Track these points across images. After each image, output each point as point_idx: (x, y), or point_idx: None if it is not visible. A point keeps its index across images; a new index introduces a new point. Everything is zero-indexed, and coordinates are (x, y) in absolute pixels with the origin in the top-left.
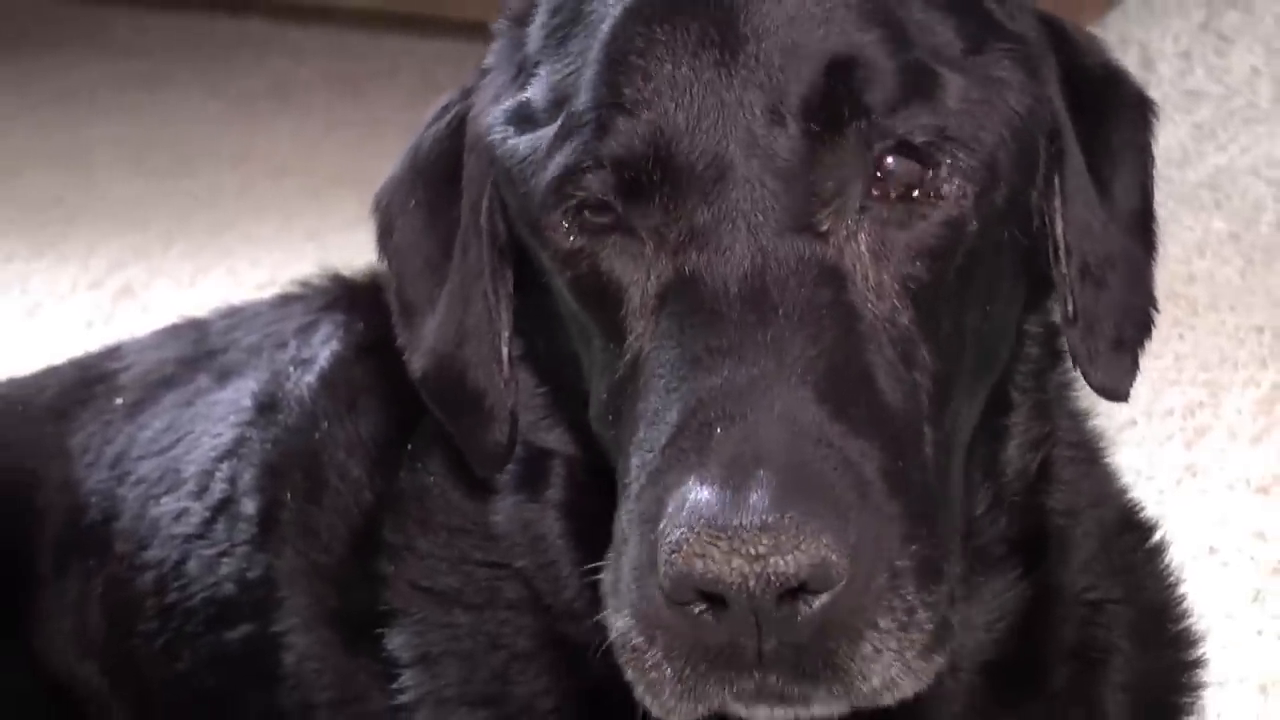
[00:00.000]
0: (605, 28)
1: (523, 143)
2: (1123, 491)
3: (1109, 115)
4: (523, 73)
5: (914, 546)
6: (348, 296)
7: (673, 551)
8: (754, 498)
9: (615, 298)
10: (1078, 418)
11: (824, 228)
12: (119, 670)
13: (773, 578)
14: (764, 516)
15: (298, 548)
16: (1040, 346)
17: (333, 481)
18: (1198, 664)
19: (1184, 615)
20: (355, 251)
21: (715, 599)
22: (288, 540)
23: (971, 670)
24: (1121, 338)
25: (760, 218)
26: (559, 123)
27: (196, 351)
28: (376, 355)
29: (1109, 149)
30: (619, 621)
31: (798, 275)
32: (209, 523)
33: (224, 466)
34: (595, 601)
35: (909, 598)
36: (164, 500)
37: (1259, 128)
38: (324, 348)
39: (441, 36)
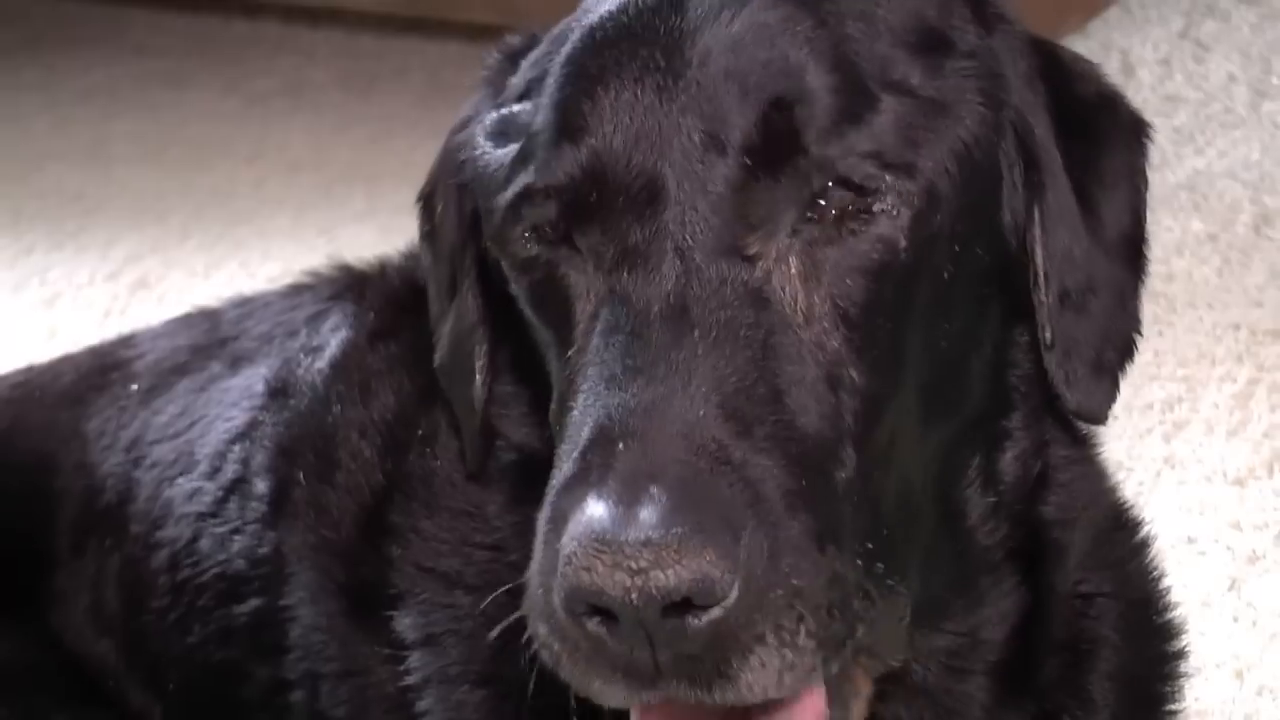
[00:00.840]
0: (564, 52)
1: (492, 158)
2: (1113, 490)
3: (1101, 141)
4: (508, 89)
5: (814, 564)
6: (357, 286)
7: (565, 564)
8: (643, 513)
9: (564, 311)
10: (1069, 421)
11: (752, 251)
12: (134, 647)
13: (654, 592)
14: (649, 532)
15: (308, 524)
16: (1031, 354)
17: (345, 462)
18: (1181, 654)
19: (1168, 608)
20: (365, 245)
21: (605, 612)
22: (298, 517)
23: (982, 672)
24: (1101, 361)
25: (689, 240)
26: (520, 144)
27: (209, 339)
28: (387, 343)
29: (1100, 174)
30: (535, 627)
31: (719, 297)
32: (221, 501)
33: (236, 448)
34: None
35: (802, 618)
36: (178, 481)
37: (1235, 132)
38: (334, 335)
39: (448, 39)
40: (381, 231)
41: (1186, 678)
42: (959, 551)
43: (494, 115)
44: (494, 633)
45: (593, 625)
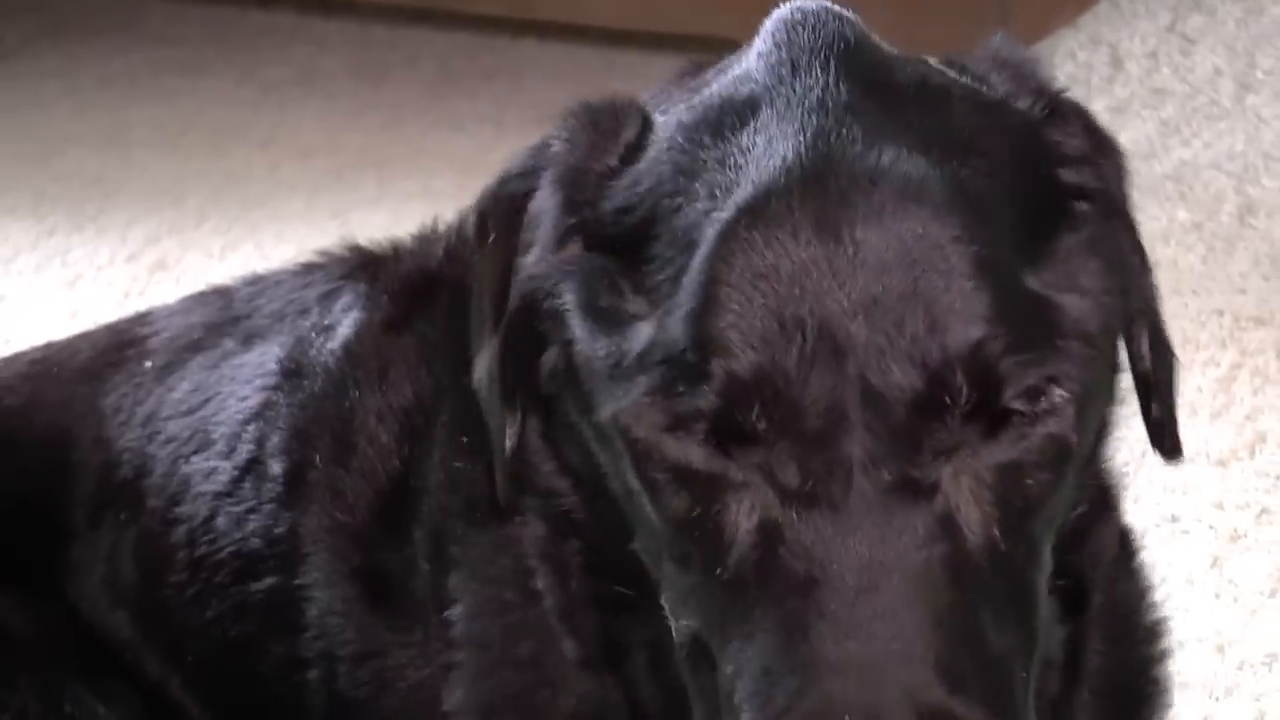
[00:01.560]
0: (701, 253)
1: (601, 338)
2: (1117, 506)
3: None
4: (584, 240)
5: None
6: (369, 267)
7: None
8: None
9: (702, 510)
10: (1103, 468)
11: (934, 477)
12: (150, 619)
13: None
14: None
15: (323, 507)
16: (1096, 444)
17: (361, 446)
18: (1164, 655)
19: (1153, 610)
20: (376, 228)
21: None
22: (313, 500)
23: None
24: (1169, 402)
25: (874, 470)
26: (648, 337)
27: (222, 317)
28: (405, 330)
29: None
30: None
31: (911, 534)
32: (237, 481)
33: (251, 428)
34: (606, 649)
35: None
36: (193, 459)
37: (1220, 124)
38: (346, 315)
39: (457, 29)
40: (392, 215)
41: (1170, 679)
42: None
43: (582, 262)
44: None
45: None
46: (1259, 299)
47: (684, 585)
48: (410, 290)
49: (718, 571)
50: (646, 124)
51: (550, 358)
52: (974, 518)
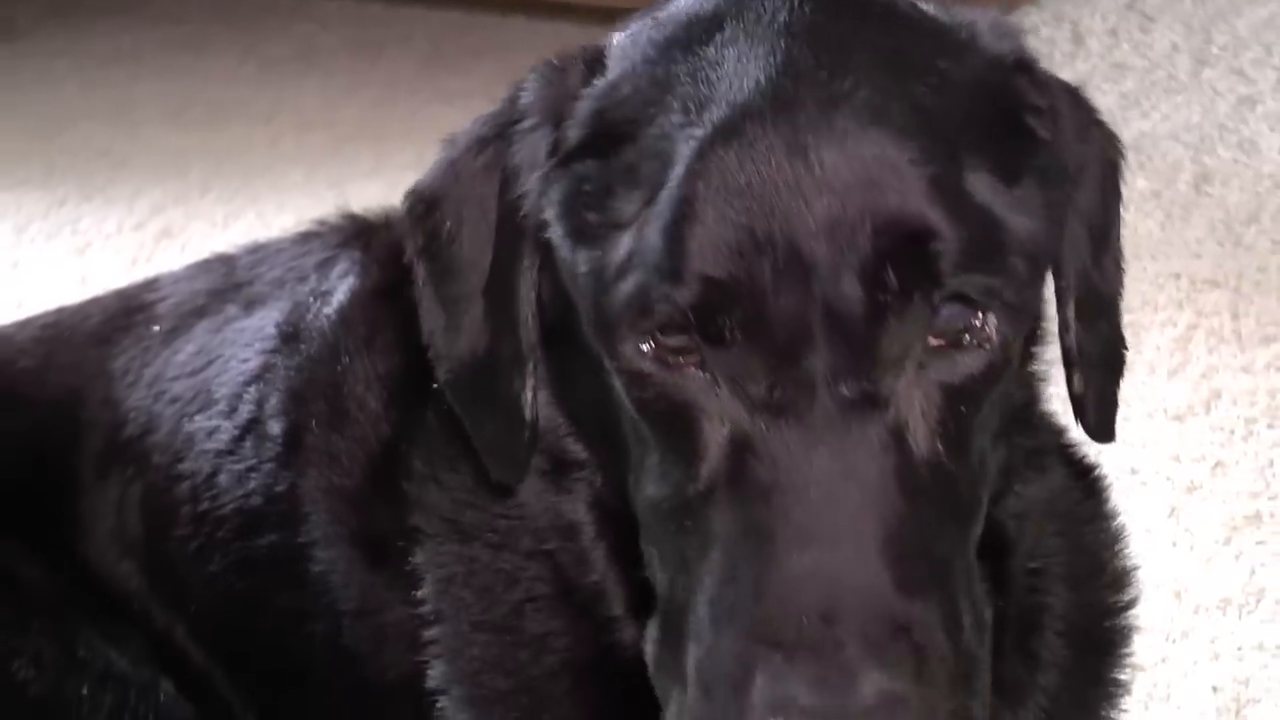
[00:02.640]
0: (678, 169)
1: (584, 254)
2: (1068, 447)
3: (1088, 167)
4: (563, 155)
5: (965, 697)
6: (364, 235)
7: None
8: (848, 696)
9: (684, 425)
10: (1040, 426)
11: (887, 391)
12: (156, 570)
13: None
14: (858, 717)
15: (320, 470)
16: (1023, 392)
17: (353, 412)
18: (1131, 603)
19: (1120, 555)
20: (372, 198)
21: None
22: (311, 463)
23: None
24: (1107, 388)
25: (834, 384)
26: (628, 248)
27: (225, 283)
28: (393, 297)
29: (1089, 195)
30: None
31: (867, 445)
32: (238, 440)
33: (251, 390)
34: (621, 588)
35: None
36: (197, 418)
37: (1178, 97)
38: (341, 282)
39: (449, 8)
40: (388, 186)
41: (1135, 628)
42: None
43: (563, 183)
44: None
45: None
46: (1214, 263)
47: (665, 510)
48: (400, 258)
49: (693, 488)
50: (600, 51)
51: (546, 294)
52: (920, 432)
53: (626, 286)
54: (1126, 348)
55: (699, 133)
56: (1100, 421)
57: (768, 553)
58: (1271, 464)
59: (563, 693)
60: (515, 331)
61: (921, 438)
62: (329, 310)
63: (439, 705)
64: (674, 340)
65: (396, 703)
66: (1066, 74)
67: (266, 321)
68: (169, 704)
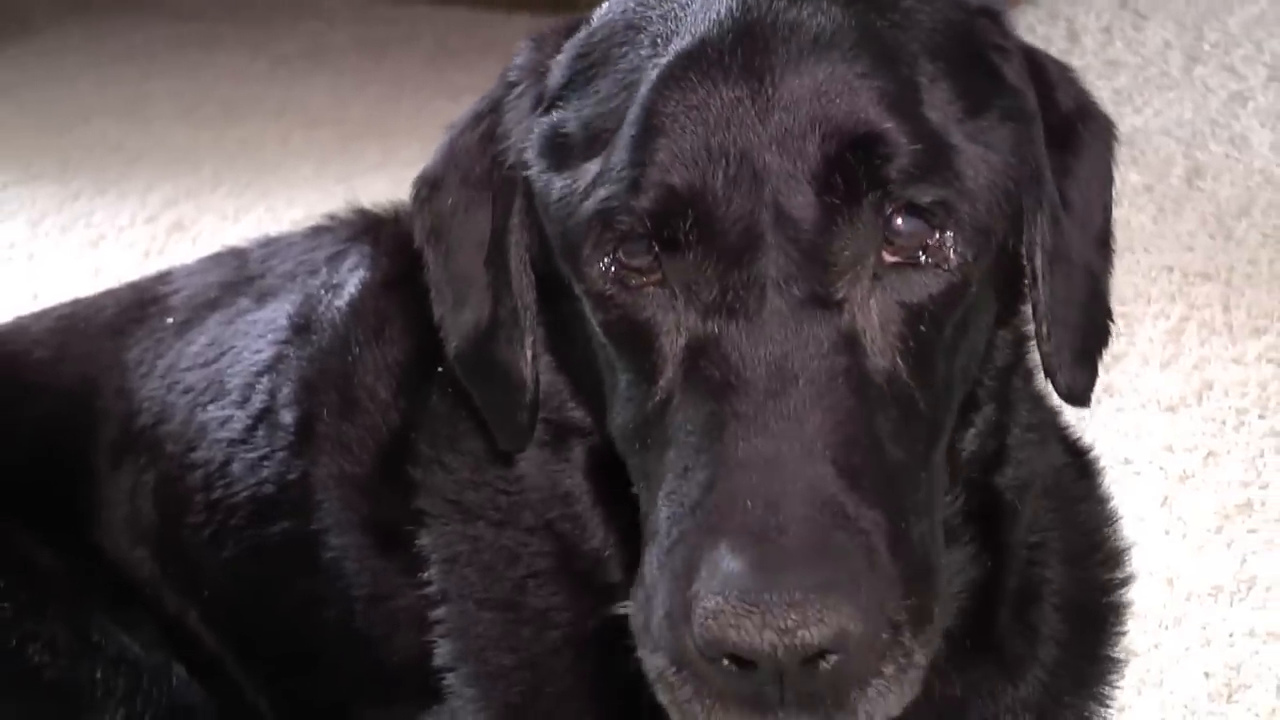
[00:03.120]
0: (644, 91)
1: (559, 181)
2: (1063, 429)
3: (1080, 147)
4: (547, 101)
5: (911, 600)
6: (373, 229)
7: (708, 617)
8: (783, 575)
9: (644, 342)
10: (1037, 400)
11: (840, 296)
12: (169, 556)
13: (799, 648)
14: (792, 594)
15: (332, 458)
16: (1009, 351)
17: (363, 401)
18: (1125, 581)
19: (1114, 534)
20: (379, 192)
21: (743, 661)
22: (322, 451)
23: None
24: (1085, 349)
25: (785, 284)
26: (595, 171)
27: (238, 277)
28: (401, 288)
29: (1078, 177)
30: (654, 660)
31: (817, 344)
32: (251, 429)
33: (264, 380)
34: (621, 552)
35: (906, 644)
36: (210, 408)
37: (1170, 93)
38: (352, 275)
39: (454, 6)
40: (394, 181)
41: (1129, 604)
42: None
43: (541, 129)
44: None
45: (726, 666)
46: (1206, 256)
47: (631, 430)
48: (408, 249)
49: (651, 402)
50: (581, 19)
51: (534, 249)
52: (878, 343)
53: (591, 203)
54: (1111, 319)
55: (664, 60)
56: (1073, 383)
57: (717, 446)
58: (1262, 454)
59: (564, 667)
60: (511, 291)
61: (879, 349)
62: (340, 302)
63: (446, 682)
64: (635, 260)
65: (406, 684)
66: None
67: (278, 313)
68: (181, 687)
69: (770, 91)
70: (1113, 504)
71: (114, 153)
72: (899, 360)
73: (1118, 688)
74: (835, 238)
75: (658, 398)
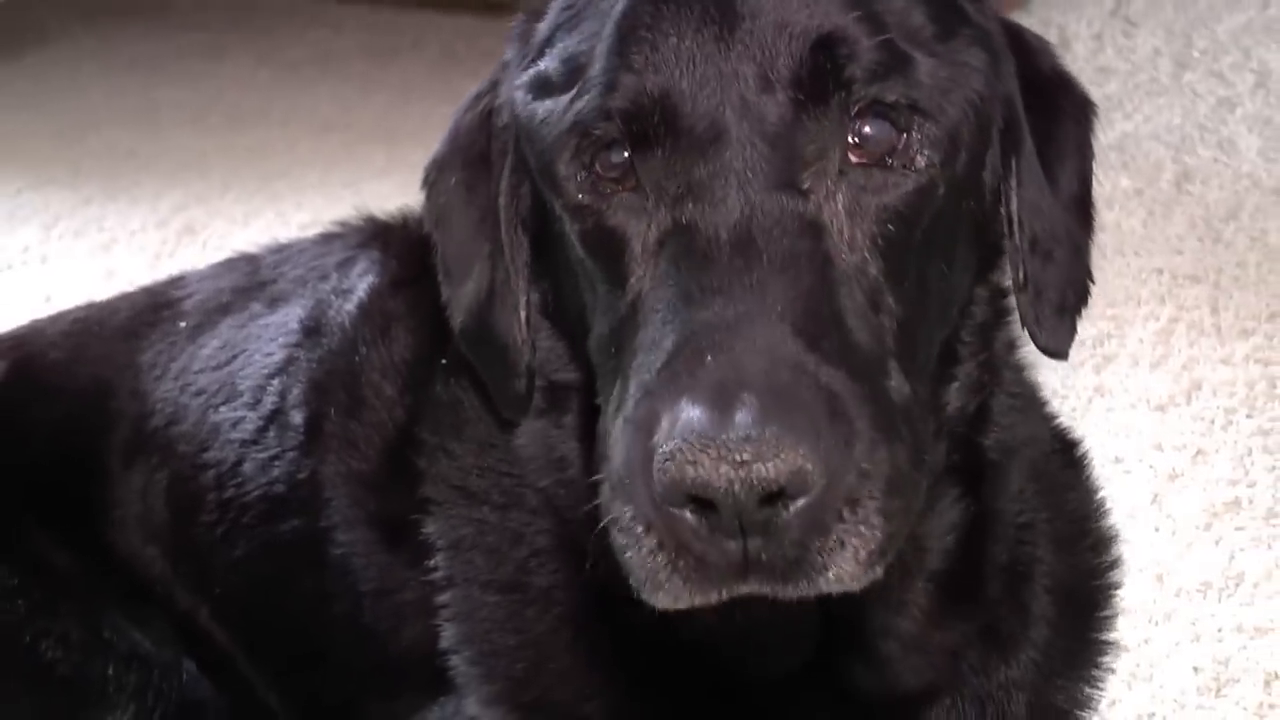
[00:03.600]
0: (618, 8)
1: (541, 107)
2: (1052, 418)
3: (1057, 113)
4: (533, 53)
5: (879, 454)
6: (382, 235)
7: (666, 460)
8: (739, 415)
9: (618, 246)
10: (1020, 370)
11: (805, 186)
12: (180, 554)
13: (756, 482)
14: (748, 430)
15: (339, 455)
16: (987, 307)
17: (370, 399)
18: (1113, 565)
19: (1101, 520)
20: (386, 197)
21: (704, 503)
22: (330, 449)
23: (924, 578)
24: (1064, 305)
25: (750, 175)
26: (573, 92)
27: (249, 282)
28: (408, 289)
29: (1056, 142)
30: (621, 510)
31: (780, 226)
32: (262, 430)
33: (275, 382)
34: None
35: (872, 498)
36: (222, 409)
37: (1160, 100)
38: (361, 280)
39: (460, 13)
40: (401, 186)
41: (1118, 586)
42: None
43: (529, 74)
44: (520, 549)
45: (688, 516)
46: (1195, 259)
47: (607, 339)
48: (416, 252)
49: (623, 303)
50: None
51: (524, 206)
52: (844, 232)
53: (569, 115)
54: (1091, 279)
55: None
56: (1052, 336)
57: (681, 316)
58: (1250, 452)
59: (564, 645)
60: (504, 254)
61: (846, 239)
62: (349, 306)
63: (451, 664)
64: (610, 170)
65: (412, 677)
66: None
67: (289, 317)
68: (191, 683)
69: (739, 3)
70: (1101, 494)
71: (125, 159)
72: (867, 256)
73: (1109, 670)
74: (799, 132)
75: (629, 297)
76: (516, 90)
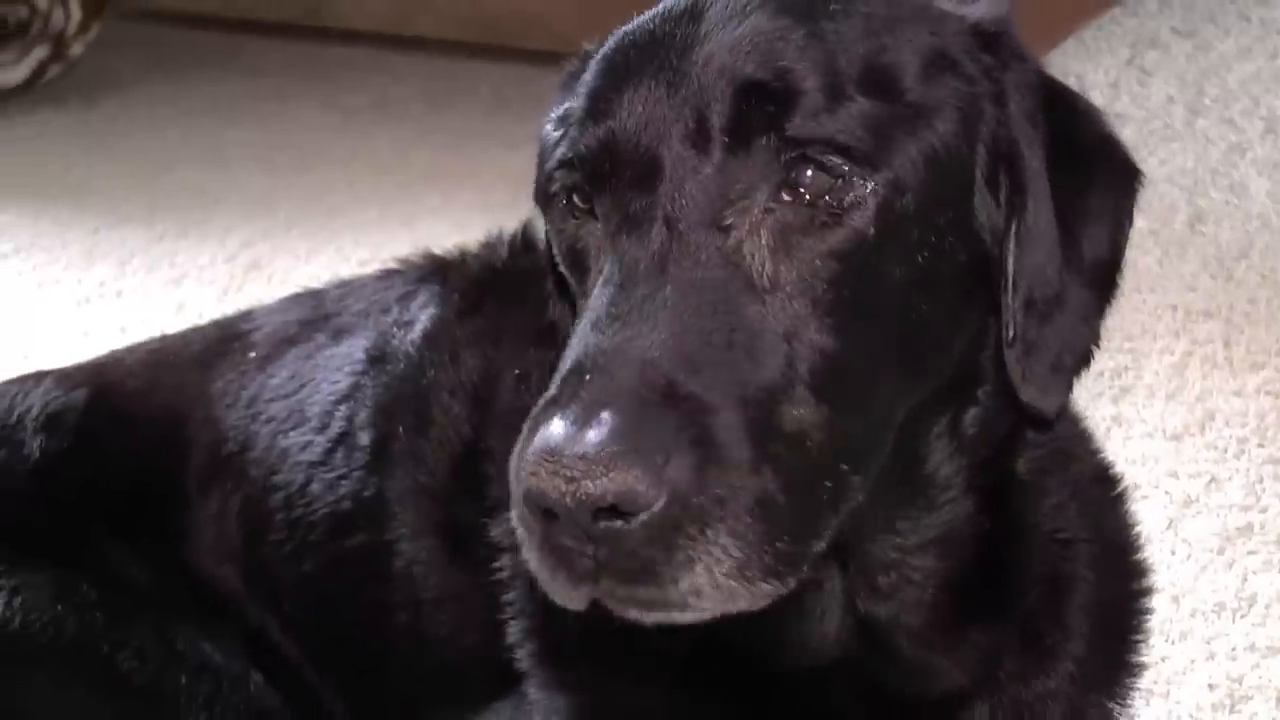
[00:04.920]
0: (603, 51)
1: (550, 140)
2: (1097, 452)
3: (1092, 179)
4: (570, 91)
5: (738, 480)
6: (441, 271)
7: (521, 469)
8: (589, 433)
9: (583, 267)
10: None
11: (728, 222)
12: (252, 573)
13: (584, 497)
14: (587, 448)
15: (407, 471)
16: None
17: (438, 417)
18: (1147, 591)
19: (1139, 551)
20: (440, 236)
21: (549, 513)
22: (398, 466)
23: (935, 588)
24: (1059, 364)
25: (675, 211)
26: (567, 127)
27: (315, 315)
28: (472, 318)
29: (1086, 207)
30: (514, 516)
31: (692, 259)
32: (329, 452)
33: (342, 407)
34: None
35: (725, 520)
36: (291, 434)
37: (1174, 145)
38: (423, 312)
39: (511, 62)
40: (454, 224)
41: (1151, 612)
42: (916, 481)
43: (557, 110)
44: None
45: (540, 519)
46: (1208, 295)
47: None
48: (477, 286)
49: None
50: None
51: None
52: (766, 269)
53: (555, 157)
54: (1097, 344)
55: (615, 38)
56: (1039, 396)
57: (587, 337)
58: (1261, 480)
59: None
60: (553, 282)
61: (768, 275)
62: (413, 335)
63: (516, 658)
64: (579, 200)
65: (473, 679)
66: None
67: (354, 348)
68: (258, 693)
69: (693, 51)
70: (1139, 528)
71: (196, 198)
72: (789, 291)
73: (1138, 690)
74: (727, 172)
75: (579, 312)
76: (547, 124)
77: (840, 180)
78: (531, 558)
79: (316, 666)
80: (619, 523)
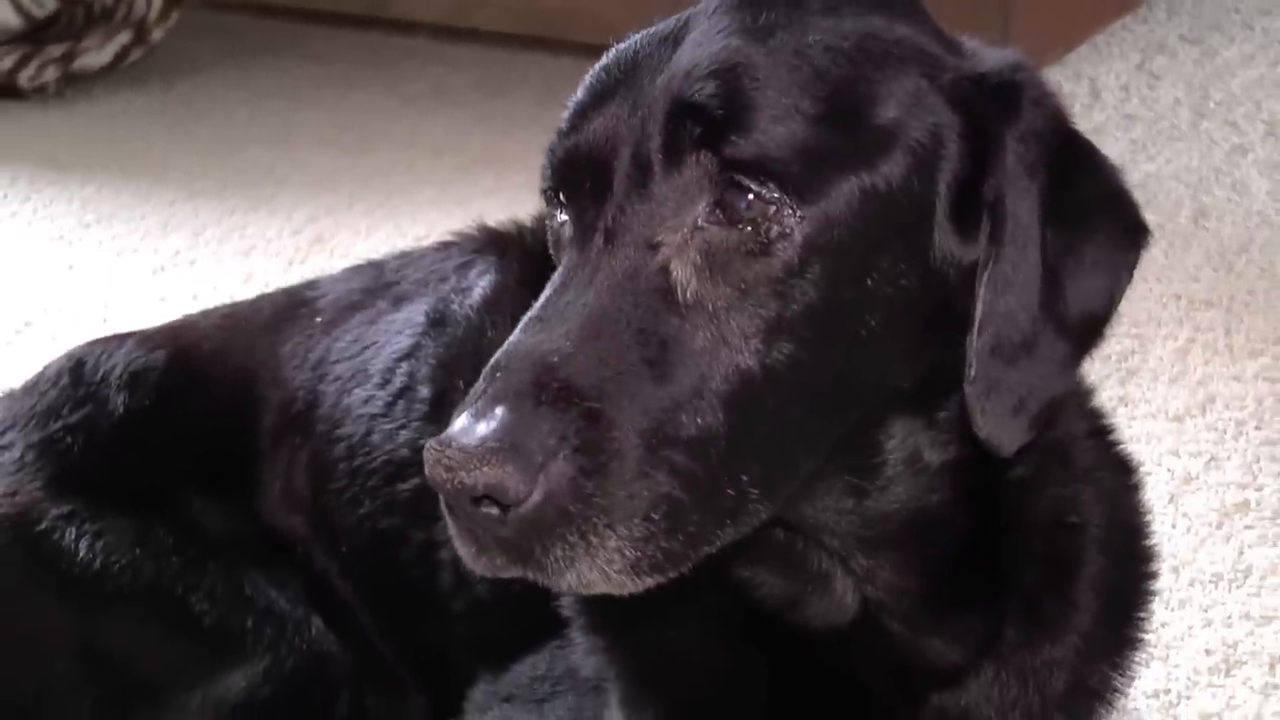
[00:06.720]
0: (592, 70)
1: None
2: (1114, 444)
3: (1092, 230)
4: None
5: (629, 484)
6: (498, 243)
7: (427, 454)
8: (479, 427)
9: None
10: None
11: (658, 239)
12: (317, 520)
13: (459, 485)
14: (469, 440)
15: None
16: None
17: None
18: (1153, 574)
19: (1149, 536)
20: (492, 214)
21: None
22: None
23: (917, 575)
24: (1020, 407)
25: (614, 225)
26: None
27: (376, 284)
28: (531, 285)
29: (1080, 260)
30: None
31: (621, 271)
32: (390, 405)
33: (403, 365)
34: None
35: (600, 518)
36: (355, 391)
37: (1179, 144)
38: (480, 279)
39: (561, 54)
40: (506, 204)
41: (1155, 595)
42: (876, 474)
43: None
44: None
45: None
46: (1210, 286)
47: None
48: (533, 257)
49: None
50: None
51: None
52: (691, 286)
53: (546, 154)
54: (1061, 396)
55: (604, 56)
56: (995, 432)
57: (513, 337)
58: (1259, 459)
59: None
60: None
61: (692, 293)
62: (471, 300)
63: (558, 602)
64: (559, 201)
65: (515, 620)
66: (1084, 124)
67: (414, 313)
68: (319, 636)
69: (659, 74)
70: (1150, 518)
71: (265, 175)
72: (714, 308)
73: (1139, 664)
74: (661, 191)
75: None
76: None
77: (772, 208)
78: (455, 533)
79: (369, 609)
80: (495, 510)
